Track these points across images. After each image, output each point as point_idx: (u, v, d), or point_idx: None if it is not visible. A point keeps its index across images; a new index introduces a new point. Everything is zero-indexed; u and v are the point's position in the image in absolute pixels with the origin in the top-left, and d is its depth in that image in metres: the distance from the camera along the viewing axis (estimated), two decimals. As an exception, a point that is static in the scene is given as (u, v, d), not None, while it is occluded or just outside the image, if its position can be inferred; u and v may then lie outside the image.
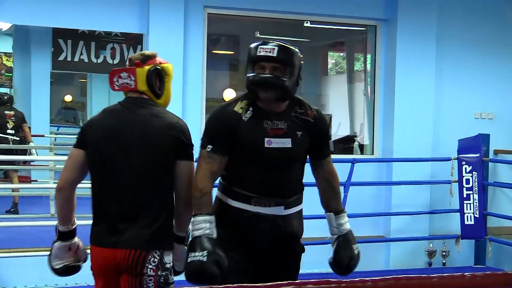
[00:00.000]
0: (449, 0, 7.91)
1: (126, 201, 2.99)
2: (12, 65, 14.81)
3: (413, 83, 7.68)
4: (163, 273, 2.97)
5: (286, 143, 3.14)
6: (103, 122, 3.17)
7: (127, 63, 3.28)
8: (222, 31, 9.75)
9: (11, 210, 9.39)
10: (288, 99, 3.18)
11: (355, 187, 6.88)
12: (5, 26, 12.17)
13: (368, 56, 8.45)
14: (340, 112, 9.71)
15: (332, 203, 3.36)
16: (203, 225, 2.93)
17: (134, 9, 6.84)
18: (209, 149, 3.08)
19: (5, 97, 10.01)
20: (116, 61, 12.16)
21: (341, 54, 12.96)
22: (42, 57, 12.63)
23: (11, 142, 9.65)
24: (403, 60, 7.66)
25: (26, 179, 11.99)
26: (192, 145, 3.09)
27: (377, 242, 7.47)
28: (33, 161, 10.65)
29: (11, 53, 14.53)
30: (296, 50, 3.18)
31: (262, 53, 3.09)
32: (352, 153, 8.64)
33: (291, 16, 7.73)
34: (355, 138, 9.13)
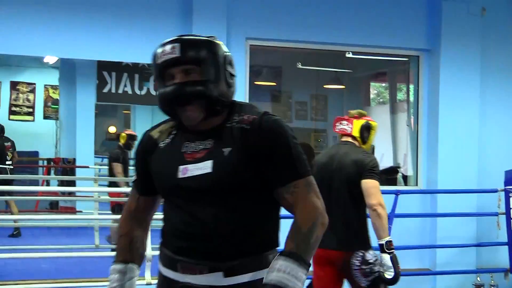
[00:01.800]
0: (492, 30, 7.83)
1: (336, 212, 4.18)
2: (58, 98, 15.08)
3: (457, 113, 7.59)
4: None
5: (205, 167, 2.16)
6: (327, 151, 4.69)
7: (346, 116, 4.59)
8: (264, 62, 9.80)
9: (14, 233, 9.77)
10: (218, 107, 2.20)
11: (399, 219, 6.79)
12: (52, 59, 12.41)
13: (411, 86, 8.39)
14: (383, 143, 9.62)
15: (287, 243, 2.06)
16: (111, 277, 2.31)
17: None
18: (132, 182, 2.50)
19: None
20: (159, 93, 12.24)
21: (383, 84, 12.91)
22: (87, 89, 12.83)
23: (9, 172, 10.04)
24: (447, 90, 7.58)
25: (71, 210, 12.13)
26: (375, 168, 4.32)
27: (423, 275, 7.34)
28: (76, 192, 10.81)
29: (57, 85, 14.81)
30: (211, 38, 2.27)
31: (164, 58, 2.20)
32: (395, 184, 8.53)
33: (333, 47, 7.73)
34: (398, 169, 9.03)
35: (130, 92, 12.21)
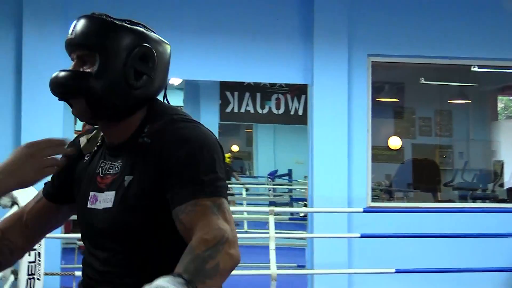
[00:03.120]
0: None
1: None
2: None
3: None
4: None
5: (107, 200, 1.75)
6: None
7: None
8: (386, 78, 9.68)
9: None
10: (105, 111, 1.75)
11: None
12: (177, 81, 12.81)
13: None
14: (512, 159, 9.27)
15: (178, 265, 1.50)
16: None
17: (299, 61, 6.96)
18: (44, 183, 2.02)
19: None
20: (281, 111, 12.40)
21: (511, 97, 12.44)
22: (210, 109, 13.15)
23: None
24: None
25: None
26: None
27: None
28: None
29: (182, 106, 15.24)
30: (123, 23, 1.78)
31: (66, 38, 1.79)
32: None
33: (458, 61, 7.54)
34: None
35: (252, 111, 12.39)
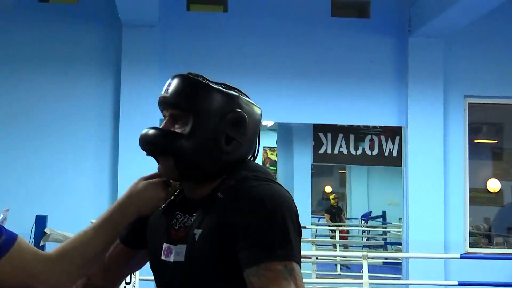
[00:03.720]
0: None
1: None
2: (276, 159, 15.57)
3: None
4: None
5: (180, 253, 1.72)
6: None
7: None
8: (484, 119, 9.42)
9: None
10: (193, 173, 1.74)
11: None
12: (270, 122, 12.90)
13: None
14: None
15: None
16: None
17: (393, 103, 6.89)
18: None
19: None
20: (374, 153, 12.27)
21: None
22: (303, 150, 13.14)
23: None
24: None
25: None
26: None
27: None
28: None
29: (275, 147, 15.31)
30: (212, 83, 1.76)
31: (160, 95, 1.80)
32: None
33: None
34: None
35: (345, 152, 12.32)
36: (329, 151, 12.28)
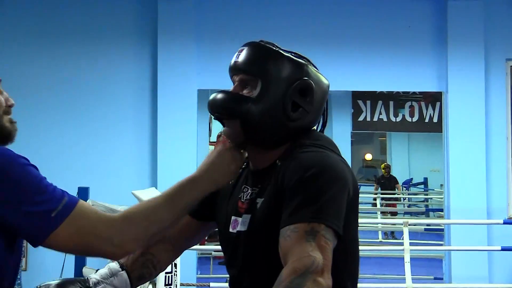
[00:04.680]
0: None
1: None
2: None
3: None
4: None
5: (244, 223, 1.77)
6: None
7: None
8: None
9: None
10: (258, 137, 1.77)
11: None
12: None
13: None
14: None
15: None
16: (101, 270, 1.95)
17: (433, 68, 6.80)
18: None
19: None
20: (414, 119, 12.18)
21: None
22: (342, 119, 13.10)
23: None
24: None
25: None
26: None
27: None
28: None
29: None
30: (282, 51, 1.81)
31: (230, 61, 1.85)
32: None
33: None
34: None
35: (385, 119, 12.27)
36: (368, 119, 12.24)
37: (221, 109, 1.78)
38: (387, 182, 14.14)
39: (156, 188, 5.24)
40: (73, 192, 5.16)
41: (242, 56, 1.79)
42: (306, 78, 1.78)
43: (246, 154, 1.86)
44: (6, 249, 1.60)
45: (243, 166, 1.87)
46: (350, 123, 12.78)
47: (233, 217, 1.81)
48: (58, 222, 1.57)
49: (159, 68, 6.54)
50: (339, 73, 6.85)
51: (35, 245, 1.61)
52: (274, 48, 1.79)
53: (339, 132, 13.29)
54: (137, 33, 6.72)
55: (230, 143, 1.82)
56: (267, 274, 1.66)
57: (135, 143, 6.61)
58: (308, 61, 1.85)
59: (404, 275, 5.77)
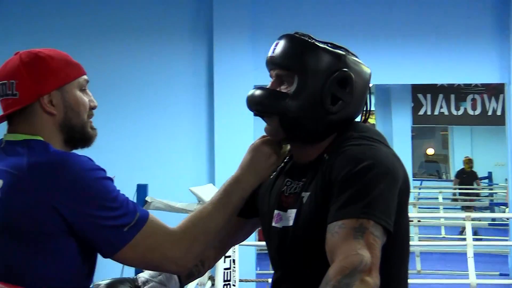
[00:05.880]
0: None
1: None
2: (374, 122, 15.40)
3: None
4: None
5: (289, 218, 1.72)
6: None
7: None
8: None
9: None
10: (298, 133, 1.74)
11: None
12: (367, 85, 12.73)
13: None
14: None
15: None
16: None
17: (495, 59, 6.63)
18: None
19: None
20: (477, 112, 11.94)
21: None
22: (402, 113, 12.92)
23: None
24: None
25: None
26: None
27: None
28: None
29: (373, 110, 15.11)
30: (318, 42, 1.74)
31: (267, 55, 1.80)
32: None
33: None
34: None
35: (446, 113, 12.07)
36: (429, 112, 12.05)
37: (259, 106, 1.74)
38: (467, 177, 13.69)
39: (214, 185, 5.25)
40: (132, 189, 5.22)
41: (277, 50, 1.73)
42: (345, 69, 1.70)
43: (289, 147, 1.82)
44: (80, 255, 1.63)
45: (285, 160, 1.84)
46: (410, 117, 12.60)
47: (276, 211, 1.76)
48: (129, 237, 1.61)
49: (215, 65, 6.56)
50: (398, 67, 6.76)
51: (105, 257, 1.64)
52: (310, 40, 1.72)
53: (399, 127, 13.11)
54: (193, 30, 6.75)
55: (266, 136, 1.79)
56: (314, 270, 1.61)
57: (192, 140, 6.64)
58: (347, 50, 1.76)
59: (468, 271, 5.65)
